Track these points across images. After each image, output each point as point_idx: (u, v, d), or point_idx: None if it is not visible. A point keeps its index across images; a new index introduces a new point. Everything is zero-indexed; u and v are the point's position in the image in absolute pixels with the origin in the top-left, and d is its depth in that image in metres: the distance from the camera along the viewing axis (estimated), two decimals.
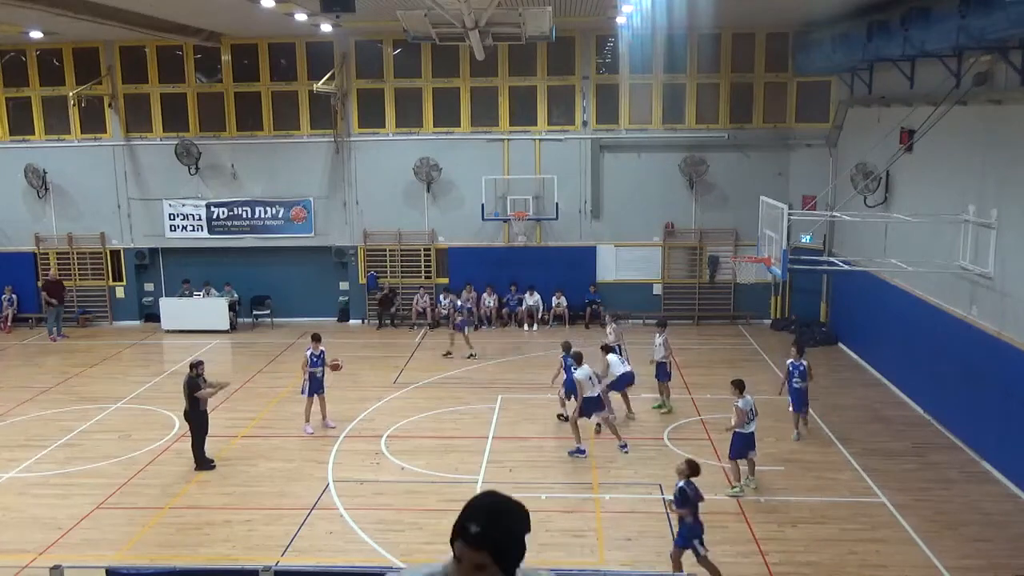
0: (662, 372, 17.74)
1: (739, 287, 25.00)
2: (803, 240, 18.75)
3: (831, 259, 19.63)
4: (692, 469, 10.96)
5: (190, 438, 15.01)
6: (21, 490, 14.22)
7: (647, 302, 25.43)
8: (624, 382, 16.79)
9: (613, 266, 25.43)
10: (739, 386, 13.82)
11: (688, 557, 10.82)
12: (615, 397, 16.76)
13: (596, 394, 15.25)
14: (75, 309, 26.24)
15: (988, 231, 14.69)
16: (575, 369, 15.58)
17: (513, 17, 16.78)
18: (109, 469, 14.94)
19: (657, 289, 25.50)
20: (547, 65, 24.57)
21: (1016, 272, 13.90)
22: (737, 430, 13.66)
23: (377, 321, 25.48)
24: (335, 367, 16.69)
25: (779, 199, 17.78)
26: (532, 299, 25.17)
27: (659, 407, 17.66)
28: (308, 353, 16.47)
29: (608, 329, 18.92)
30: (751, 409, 13.71)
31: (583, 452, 15.14)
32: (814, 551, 11.78)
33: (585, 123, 24.84)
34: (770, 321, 25.09)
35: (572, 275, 25.22)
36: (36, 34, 22.70)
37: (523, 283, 25.33)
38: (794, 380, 15.87)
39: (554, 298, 25.22)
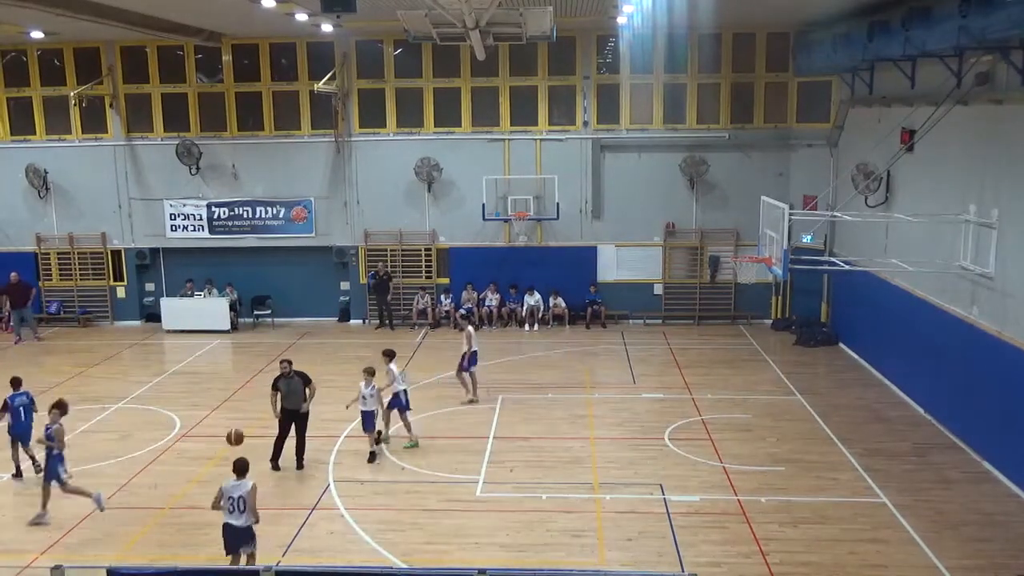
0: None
1: (740, 287, 24.99)
2: (804, 240, 18.73)
3: (832, 259, 19.62)
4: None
5: (298, 438, 14.91)
6: (22, 489, 14.23)
7: (648, 302, 25.44)
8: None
9: (614, 266, 25.43)
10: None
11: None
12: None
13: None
14: (76, 309, 26.26)
15: (989, 231, 14.68)
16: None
17: (514, 17, 16.77)
18: (110, 469, 14.96)
19: (658, 289, 25.50)
20: (548, 65, 24.57)
21: (1017, 272, 13.89)
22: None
23: (377, 321, 25.46)
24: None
25: (780, 199, 17.76)
26: (532, 299, 25.16)
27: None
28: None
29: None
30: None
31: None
32: (815, 551, 11.78)
33: (586, 123, 24.84)
34: (771, 321, 25.09)
35: (573, 275, 25.22)
36: (37, 34, 22.70)
37: (524, 283, 25.33)
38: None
39: (552, 298, 25.21)
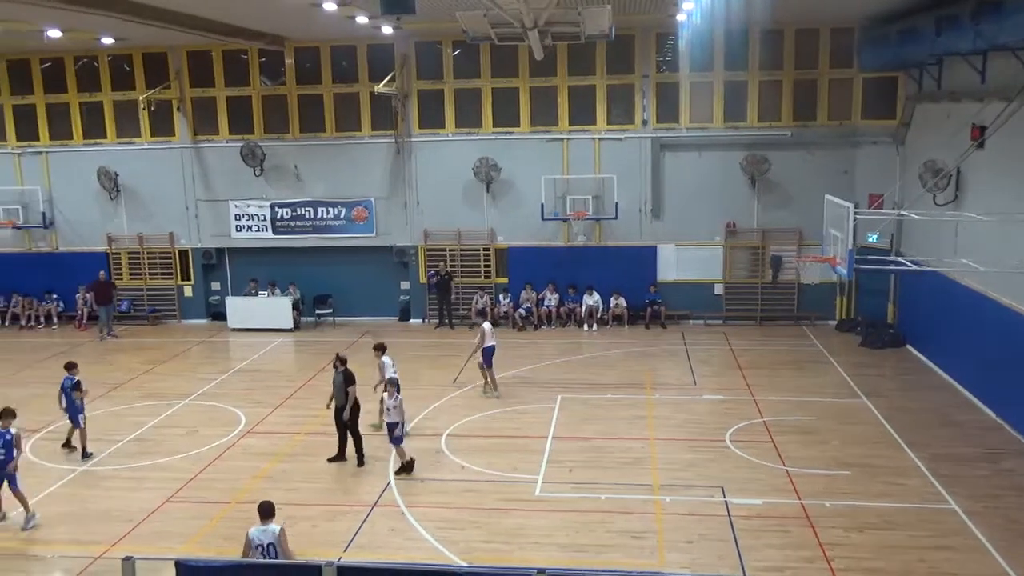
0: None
1: (803, 287, 24.57)
2: (870, 239, 18.35)
3: (899, 259, 19.13)
4: None
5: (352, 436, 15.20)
6: (94, 483, 14.67)
7: (709, 302, 25.17)
8: None
9: (674, 266, 25.21)
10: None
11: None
12: None
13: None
14: (145, 307, 26.98)
15: None
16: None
17: (572, 16, 16.75)
18: (178, 464, 15.31)
19: (719, 289, 25.20)
20: (606, 64, 24.45)
21: None
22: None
23: (437, 320, 25.64)
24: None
25: (844, 197, 17.37)
26: (592, 299, 25.08)
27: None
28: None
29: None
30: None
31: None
32: (881, 557, 11.52)
33: (645, 122, 24.67)
34: (835, 322, 24.60)
35: (632, 275, 25.06)
36: (108, 40, 23.38)
37: (583, 283, 25.27)
38: None
39: (612, 298, 25.09)
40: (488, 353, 18.70)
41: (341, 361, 15.32)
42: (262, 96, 25.85)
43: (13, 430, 13.08)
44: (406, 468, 14.58)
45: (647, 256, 25.17)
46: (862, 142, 23.97)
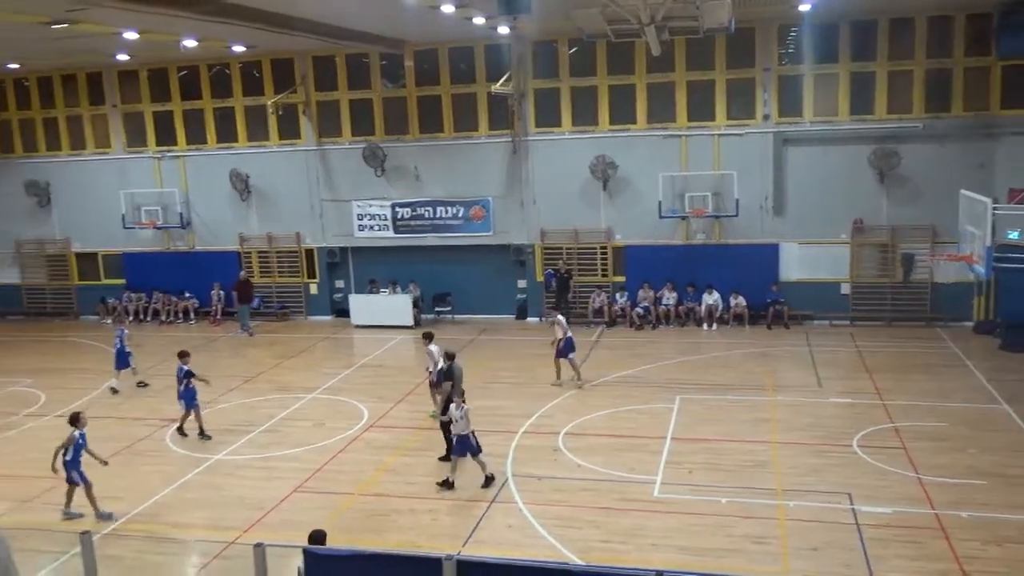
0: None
1: (937, 287, 23.46)
2: (1010, 236, 17.34)
3: None
4: None
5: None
6: (229, 471, 15.37)
7: (834, 302, 24.33)
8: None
9: (797, 264, 24.48)
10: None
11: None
12: None
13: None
14: (274, 304, 28.10)
15: None
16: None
17: (690, 10, 16.46)
18: (305, 455, 15.87)
19: (845, 288, 24.33)
20: (726, 58, 23.95)
21: None
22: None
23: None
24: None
25: (981, 192, 16.60)
26: (711, 298, 24.64)
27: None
28: None
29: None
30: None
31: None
32: (1020, 573, 10.88)
33: (766, 116, 24.04)
34: (973, 323, 23.36)
35: (753, 273, 24.46)
36: (239, 48, 24.45)
37: (702, 282, 24.84)
38: None
39: (732, 297, 24.58)
40: (567, 345, 19.19)
41: (446, 354, 15.71)
42: (383, 98, 26.50)
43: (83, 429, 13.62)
44: (488, 480, 14.08)
45: (768, 254, 24.52)
46: (1001, 133, 22.69)
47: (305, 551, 8.85)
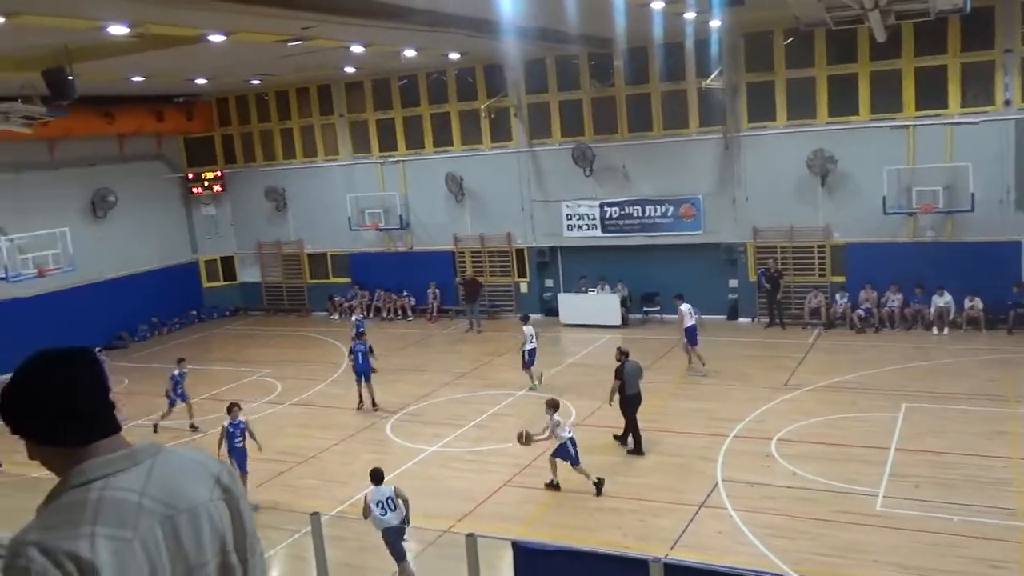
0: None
1: None
2: None
3: None
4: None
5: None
6: (443, 463, 16.05)
7: None
8: None
9: None
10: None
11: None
12: None
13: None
14: (487, 303, 29.01)
15: None
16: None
17: None
18: (514, 450, 16.18)
19: None
20: (960, 40, 22.11)
21: None
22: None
23: (767, 320, 24.83)
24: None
25: None
26: (942, 300, 22.84)
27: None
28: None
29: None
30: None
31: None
32: None
33: (1008, 102, 21.96)
34: None
35: (991, 273, 22.39)
36: (454, 55, 25.41)
37: (931, 282, 23.09)
38: None
39: (967, 299, 22.65)
40: (691, 333, 20.01)
41: (619, 350, 16.16)
42: (592, 99, 26.65)
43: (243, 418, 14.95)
44: (553, 486, 14.24)
45: (1010, 252, 22.39)
46: None
47: (514, 544, 9.10)
